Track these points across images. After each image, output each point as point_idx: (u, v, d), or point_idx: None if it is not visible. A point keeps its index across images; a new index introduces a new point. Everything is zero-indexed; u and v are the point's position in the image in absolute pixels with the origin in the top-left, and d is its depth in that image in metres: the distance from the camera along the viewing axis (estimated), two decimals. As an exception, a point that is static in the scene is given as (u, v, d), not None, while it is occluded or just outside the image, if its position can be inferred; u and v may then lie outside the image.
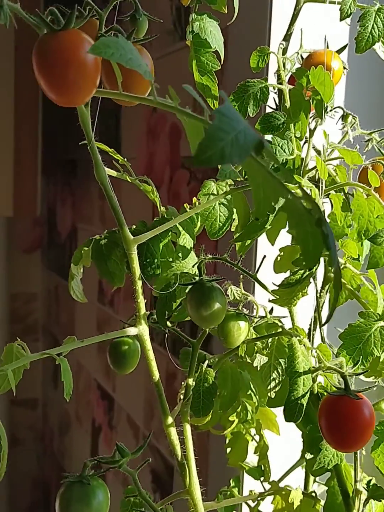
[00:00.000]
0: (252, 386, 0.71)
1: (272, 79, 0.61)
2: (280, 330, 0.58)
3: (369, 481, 0.57)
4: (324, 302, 0.70)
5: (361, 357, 0.59)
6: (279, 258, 0.59)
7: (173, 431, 0.60)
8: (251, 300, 0.64)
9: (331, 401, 0.50)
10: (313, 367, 0.55)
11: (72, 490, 0.49)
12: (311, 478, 0.72)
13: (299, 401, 0.53)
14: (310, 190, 0.54)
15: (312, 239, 0.40)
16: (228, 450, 0.75)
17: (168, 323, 0.64)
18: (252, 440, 0.75)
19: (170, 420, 0.60)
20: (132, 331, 0.57)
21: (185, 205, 0.59)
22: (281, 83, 0.57)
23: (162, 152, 1.37)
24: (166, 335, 0.66)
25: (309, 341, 0.68)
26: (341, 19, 0.58)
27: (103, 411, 1.80)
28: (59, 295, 2.26)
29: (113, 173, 0.60)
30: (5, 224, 2.23)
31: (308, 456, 0.60)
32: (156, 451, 1.40)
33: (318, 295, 0.67)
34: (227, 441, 0.77)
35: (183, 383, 0.71)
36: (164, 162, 1.36)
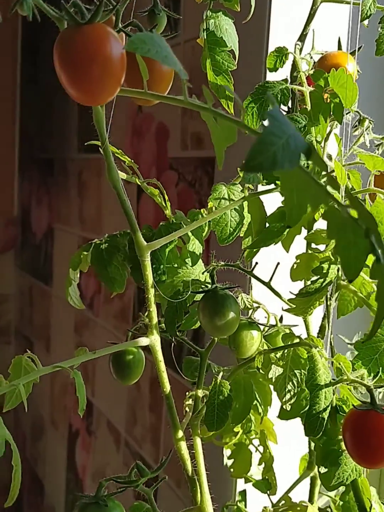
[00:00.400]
0: (257, 395, 0.70)
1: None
2: (296, 340, 0.56)
3: None
4: (333, 310, 0.68)
5: (378, 368, 0.58)
6: (295, 265, 0.57)
7: (183, 445, 0.57)
8: (262, 308, 0.62)
9: (357, 415, 0.49)
10: (333, 379, 0.54)
11: (88, 511, 0.46)
12: (316, 490, 0.70)
13: (320, 415, 0.51)
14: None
15: (354, 249, 0.38)
16: (231, 461, 0.73)
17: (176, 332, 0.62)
18: (256, 452, 0.73)
19: (180, 433, 0.57)
20: (144, 341, 0.54)
21: (202, 210, 0.57)
22: (300, 85, 0.55)
23: (148, 152, 1.34)
24: (173, 344, 0.63)
25: (325, 345, 0.67)
26: (361, 20, 0.57)
27: (80, 417, 1.75)
28: (33, 297, 2.21)
29: (123, 175, 0.57)
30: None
31: (323, 470, 0.58)
32: (139, 458, 1.37)
33: (327, 303, 0.66)
34: (227, 453, 0.75)
35: (187, 393, 0.69)
36: (150, 163, 1.34)
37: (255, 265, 0.58)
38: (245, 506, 0.66)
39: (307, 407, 0.59)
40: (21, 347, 2.30)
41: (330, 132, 0.60)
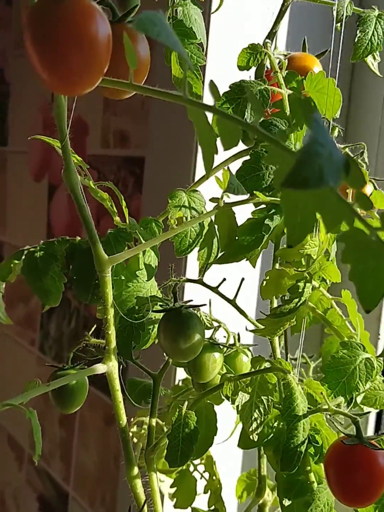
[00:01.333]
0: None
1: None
2: (266, 365, 0.51)
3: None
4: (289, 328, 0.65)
5: (345, 391, 0.55)
6: (265, 283, 0.52)
7: (138, 483, 0.51)
8: (222, 327, 0.56)
9: (343, 450, 0.45)
10: (309, 407, 0.50)
11: None
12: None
13: (298, 449, 0.47)
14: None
15: (373, 277, 0.34)
16: (173, 490, 0.67)
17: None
18: (201, 478, 0.67)
19: (136, 470, 0.51)
20: (101, 368, 0.48)
21: (172, 220, 0.51)
22: (277, 86, 0.50)
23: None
24: (122, 367, 0.57)
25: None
26: (336, 22, 0.53)
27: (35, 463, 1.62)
28: None
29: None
30: None
31: (286, 502, 0.54)
32: (45, 476, 1.28)
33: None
34: (167, 481, 0.69)
35: (132, 419, 0.63)
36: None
37: (222, 282, 0.53)
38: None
39: (270, 435, 0.55)
40: None
41: (298, 139, 0.56)
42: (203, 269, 0.57)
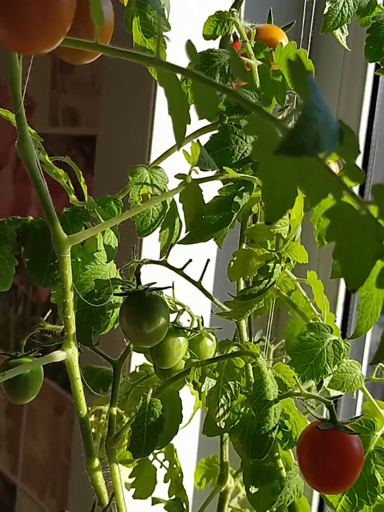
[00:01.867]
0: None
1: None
2: (234, 349, 0.49)
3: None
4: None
5: (312, 375, 0.53)
6: (232, 263, 0.50)
7: (99, 475, 0.48)
8: (186, 310, 0.54)
9: (317, 435, 0.43)
10: (280, 392, 0.48)
11: None
12: (226, 506, 0.65)
13: (269, 435, 0.45)
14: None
15: (358, 254, 0.32)
16: (132, 480, 0.64)
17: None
18: (161, 467, 0.65)
19: (97, 462, 0.48)
20: (60, 356, 0.44)
21: (136, 197, 0.47)
22: (248, 57, 0.47)
23: (5, 125, 1.19)
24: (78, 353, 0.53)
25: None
26: (306, -9, 0.51)
27: None
28: None
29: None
30: None
31: (253, 489, 0.52)
32: (-8, 467, 1.23)
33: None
34: (125, 471, 0.67)
35: (90, 408, 0.60)
36: (8, 137, 1.19)
37: (187, 263, 0.50)
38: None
39: (236, 422, 0.53)
40: None
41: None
42: (165, 250, 0.54)
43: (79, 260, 0.56)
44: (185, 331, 0.52)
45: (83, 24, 0.36)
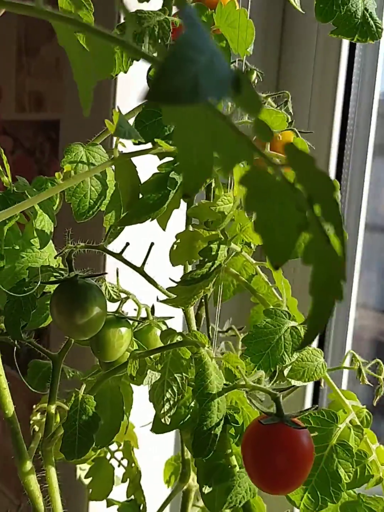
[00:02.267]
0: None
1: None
2: (178, 338, 0.45)
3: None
4: (210, 296, 0.59)
5: (269, 364, 0.49)
6: (175, 246, 0.46)
7: (32, 479, 0.45)
8: (132, 299, 0.50)
9: (261, 430, 0.39)
10: (225, 384, 0.44)
11: None
12: (189, 506, 0.61)
13: (212, 431, 0.41)
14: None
15: (280, 227, 0.28)
16: (88, 481, 0.61)
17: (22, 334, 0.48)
18: (119, 466, 0.61)
19: (29, 465, 0.44)
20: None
21: (56, 174, 0.43)
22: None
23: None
24: (15, 348, 0.50)
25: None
26: None
27: None
28: None
29: None
30: None
31: (206, 489, 0.48)
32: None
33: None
34: (83, 468, 0.63)
35: (34, 406, 0.56)
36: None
37: (125, 247, 0.46)
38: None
39: (187, 417, 0.49)
40: None
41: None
42: (108, 234, 0.50)
43: (17, 247, 0.52)
44: (129, 321, 0.48)
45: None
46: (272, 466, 0.38)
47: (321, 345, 0.86)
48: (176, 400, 0.46)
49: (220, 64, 0.22)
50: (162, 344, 0.49)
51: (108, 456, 0.61)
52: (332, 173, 0.82)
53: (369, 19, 0.46)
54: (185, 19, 0.21)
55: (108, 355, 0.47)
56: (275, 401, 0.40)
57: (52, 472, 0.45)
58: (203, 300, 0.57)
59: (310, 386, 0.88)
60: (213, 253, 0.44)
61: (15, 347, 0.50)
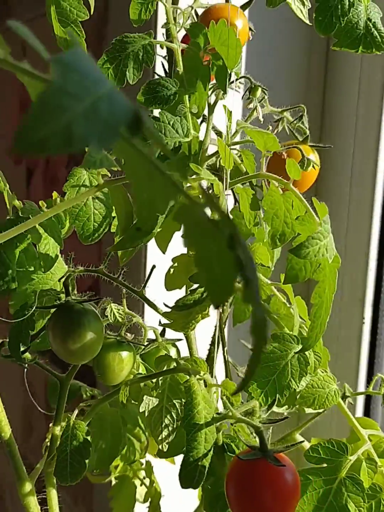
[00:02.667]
0: (140, 421, 0.58)
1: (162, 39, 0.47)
2: (174, 365, 0.44)
3: None
4: (227, 319, 0.57)
5: (275, 392, 0.47)
6: (172, 270, 0.45)
7: (32, 501, 0.45)
8: (137, 321, 0.50)
9: (243, 466, 0.38)
10: (218, 413, 0.42)
11: None
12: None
13: (199, 463, 0.40)
14: (212, 183, 0.40)
15: (219, 264, 0.26)
16: (112, 499, 0.61)
17: (28, 355, 0.49)
18: (141, 485, 0.61)
19: (28, 486, 0.45)
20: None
21: (41, 202, 0.44)
22: (171, 41, 0.42)
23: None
24: (26, 370, 0.51)
25: (211, 369, 0.56)
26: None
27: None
28: None
29: None
30: None
31: (210, 518, 0.47)
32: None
33: (220, 310, 0.55)
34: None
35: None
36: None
37: (121, 271, 0.46)
38: None
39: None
40: None
41: (215, 102, 0.49)
42: (125, 256, 0.50)
43: (31, 269, 0.53)
44: (131, 344, 0.48)
45: None
46: (252, 504, 0.37)
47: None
48: (175, 426, 0.45)
49: (109, 108, 0.21)
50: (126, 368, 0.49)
51: (131, 474, 0.61)
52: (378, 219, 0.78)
53: (373, 29, 0.43)
54: (55, 66, 0.20)
55: (108, 379, 0.47)
56: (258, 435, 0.38)
57: (53, 493, 0.46)
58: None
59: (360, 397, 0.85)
60: (205, 278, 0.43)
61: (25, 369, 0.51)
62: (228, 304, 0.56)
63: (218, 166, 0.51)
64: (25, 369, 0.50)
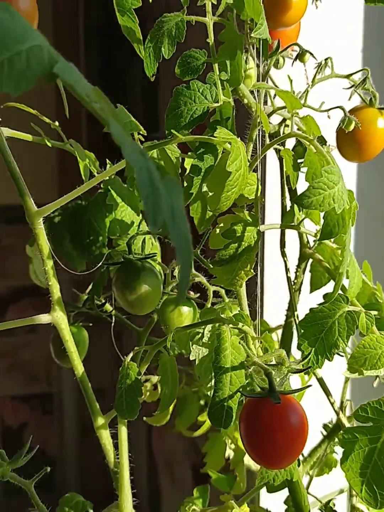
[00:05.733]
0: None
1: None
2: (214, 317, 0.48)
3: (328, 502, 0.46)
4: (301, 284, 0.59)
5: (324, 348, 0.48)
6: (218, 230, 0.49)
7: (105, 433, 0.52)
8: (200, 281, 0.54)
9: (251, 405, 0.40)
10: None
11: None
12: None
13: (225, 403, 0.43)
14: (234, 143, 0.43)
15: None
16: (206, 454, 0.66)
17: (108, 306, 0.56)
18: (231, 443, 0.65)
19: (100, 421, 0.51)
20: (44, 319, 0.49)
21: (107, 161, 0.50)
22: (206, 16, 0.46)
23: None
24: (112, 323, 0.58)
25: (284, 330, 0.58)
26: None
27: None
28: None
29: (28, 137, 0.52)
30: None
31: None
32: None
33: (290, 276, 0.57)
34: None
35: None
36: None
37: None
38: (205, 504, 0.59)
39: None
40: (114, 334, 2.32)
41: (267, 71, 0.51)
42: (202, 223, 0.55)
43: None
44: (192, 300, 0.52)
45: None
46: (257, 440, 0.39)
47: None
48: (224, 375, 0.48)
49: (25, 62, 0.26)
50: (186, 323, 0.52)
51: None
52: None
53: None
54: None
55: (170, 331, 0.52)
56: (267, 376, 0.40)
57: (123, 429, 0.52)
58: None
59: None
60: (238, 234, 0.46)
61: (112, 323, 0.58)
62: (301, 269, 0.58)
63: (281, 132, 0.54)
64: (112, 323, 0.57)
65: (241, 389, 0.43)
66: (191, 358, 0.49)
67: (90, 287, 0.59)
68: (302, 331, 0.49)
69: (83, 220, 0.59)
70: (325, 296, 0.50)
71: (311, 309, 0.49)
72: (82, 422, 2.40)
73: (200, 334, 0.48)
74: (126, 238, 0.58)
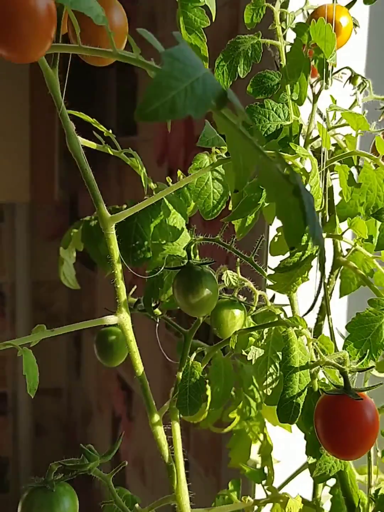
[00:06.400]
0: (255, 380, 0.65)
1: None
2: (276, 319, 0.51)
3: (378, 491, 0.51)
4: (333, 289, 0.63)
5: (369, 350, 0.53)
6: (276, 238, 0.53)
7: (160, 430, 0.54)
8: (248, 286, 0.57)
9: (328, 401, 0.44)
10: (312, 361, 0.49)
11: (35, 496, 0.43)
12: (320, 484, 0.66)
13: (294, 400, 0.47)
14: (306, 160, 0.47)
15: (294, 212, 0.33)
16: (230, 450, 0.69)
17: (158, 311, 0.59)
18: (256, 440, 0.69)
19: (156, 418, 0.54)
20: (111, 320, 0.51)
21: (167, 178, 0.53)
22: (278, 40, 0.50)
23: (176, 132, 1.31)
24: (157, 324, 0.60)
25: (315, 333, 0.62)
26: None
27: (122, 402, 1.75)
28: (81, 283, 2.22)
29: (93, 144, 0.54)
30: (27, 211, 2.20)
31: (310, 460, 0.53)
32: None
33: (325, 281, 0.61)
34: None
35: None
36: (179, 144, 1.30)
37: (233, 239, 0.54)
38: (239, 496, 0.62)
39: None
40: (71, 334, 2.32)
41: (320, 91, 0.55)
42: (242, 230, 0.58)
43: (163, 241, 0.62)
44: (242, 304, 0.56)
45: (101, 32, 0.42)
46: (335, 434, 0.43)
47: None
48: (278, 374, 0.52)
49: (202, 87, 0.29)
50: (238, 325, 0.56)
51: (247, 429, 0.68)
52: None
53: None
54: (164, 58, 0.28)
55: (223, 332, 0.55)
56: (343, 375, 0.44)
57: (176, 425, 0.55)
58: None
59: None
60: (303, 243, 0.50)
61: (157, 323, 0.60)
62: (334, 276, 0.62)
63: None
64: (157, 324, 0.59)
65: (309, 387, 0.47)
66: (248, 358, 0.52)
67: (133, 289, 0.62)
68: (349, 333, 0.53)
69: (130, 224, 0.61)
70: (371, 301, 0.55)
71: (357, 314, 0.53)
72: (36, 422, 2.38)
73: (259, 336, 0.52)
74: (170, 244, 0.60)
